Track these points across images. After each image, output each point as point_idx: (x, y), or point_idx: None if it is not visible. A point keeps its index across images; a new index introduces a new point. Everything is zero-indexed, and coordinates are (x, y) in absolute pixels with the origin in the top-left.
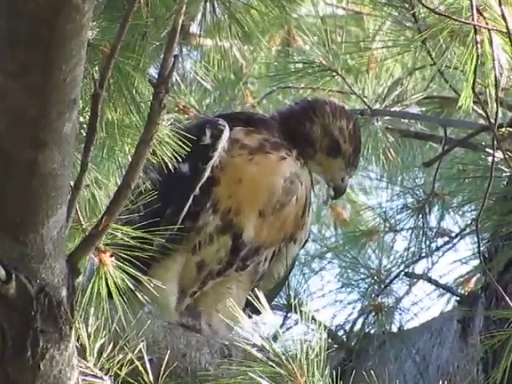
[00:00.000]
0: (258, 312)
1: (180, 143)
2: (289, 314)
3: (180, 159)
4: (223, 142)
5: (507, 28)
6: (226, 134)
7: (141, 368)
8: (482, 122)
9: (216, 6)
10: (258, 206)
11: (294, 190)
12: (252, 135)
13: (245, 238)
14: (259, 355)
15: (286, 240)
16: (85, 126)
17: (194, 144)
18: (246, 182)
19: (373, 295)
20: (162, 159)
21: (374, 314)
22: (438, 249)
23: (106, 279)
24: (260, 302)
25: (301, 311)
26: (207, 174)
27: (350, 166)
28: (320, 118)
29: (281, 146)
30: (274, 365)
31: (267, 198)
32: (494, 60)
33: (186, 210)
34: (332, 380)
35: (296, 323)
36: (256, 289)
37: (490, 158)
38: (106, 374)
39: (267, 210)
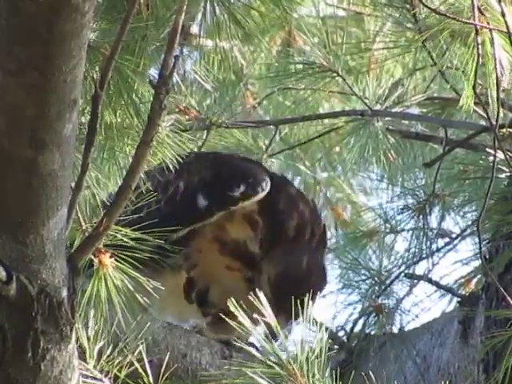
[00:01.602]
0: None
1: (180, 143)
2: None
3: (201, 190)
4: (246, 203)
5: (507, 26)
6: (256, 198)
7: (140, 370)
8: (482, 122)
9: (216, 6)
10: (214, 282)
11: None
12: (247, 225)
13: (209, 298)
14: (259, 356)
15: None
16: (84, 127)
17: (221, 185)
18: (203, 260)
19: (373, 296)
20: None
21: (374, 314)
22: (438, 250)
23: (106, 280)
24: (261, 303)
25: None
26: (213, 219)
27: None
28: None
29: (243, 259)
30: (274, 365)
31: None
32: (495, 60)
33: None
34: (332, 381)
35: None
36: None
37: (490, 159)
38: (105, 376)
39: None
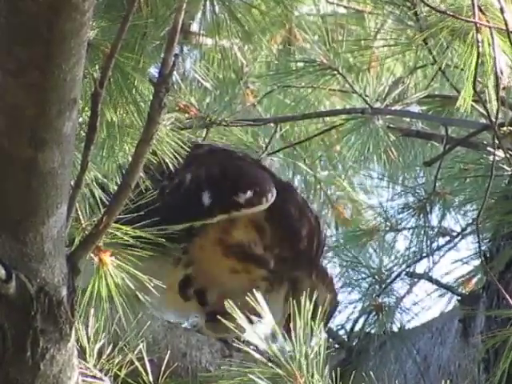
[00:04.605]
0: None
1: (180, 143)
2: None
3: (208, 188)
4: (250, 211)
5: (506, 23)
6: (259, 208)
7: (141, 369)
8: (483, 121)
9: (216, 5)
10: (212, 284)
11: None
12: (253, 230)
13: (208, 298)
14: (258, 356)
15: None
16: (84, 125)
17: (228, 187)
18: (204, 260)
19: (374, 295)
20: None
21: (374, 313)
22: (439, 248)
23: (106, 279)
24: (258, 303)
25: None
26: (215, 220)
27: None
28: (317, 281)
29: (249, 260)
30: (273, 366)
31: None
32: (495, 58)
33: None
34: (332, 380)
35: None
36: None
37: (491, 157)
38: (105, 375)
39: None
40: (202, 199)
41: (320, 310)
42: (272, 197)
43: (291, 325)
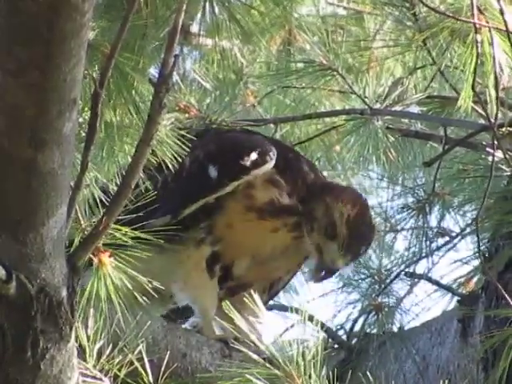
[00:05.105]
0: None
1: (180, 143)
2: (287, 314)
3: (211, 162)
4: (259, 172)
5: (505, 24)
6: (267, 167)
7: (140, 369)
8: (482, 121)
9: (215, 5)
10: (246, 254)
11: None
12: (270, 186)
13: (235, 272)
14: (256, 357)
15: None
16: (84, 125)
17: (233, 156)
18: (235, 234)
19: (373, 295)
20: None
21: (374, 313)
22: (438, 249)
23: (105, 280)
24: (256, 305)
25: (299, 311)
26: (227, 189)
27: (345, 251)
28: (327, 199)
29: (283, 213)
30: (271, 366)
31: (253, 254)
32: (494, 59)
33: (190, 210)
34: (329, 381)
35: (292, 326)
36: (252, 291)
37: (490, 158)
38: (105, 375)
39: (257, 258)
40: (209, 173)
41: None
42: (274, 154)
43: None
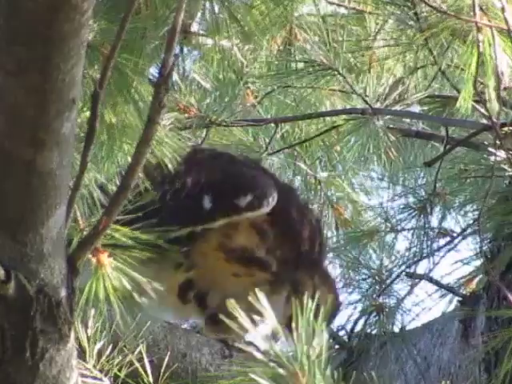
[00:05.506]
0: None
1: (179, 143)
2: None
3: (208, 192)
4: (252, 215)
5: (506, 22)
6: (262, 211)
7: (140, 370)
8: (483, 121)
9: (215, 5)
10: (215, 286)
11: None
12: (254, 233)
13: (209, 301)
14: (260, 356)
15: None
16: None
17: (230, 192)
18: (206, 265)
19: (374, 295)
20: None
21: (375, 314)
22: (439, 249)
23: (104, 280)
24: (260, 303)
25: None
26: (216, 224)
27: None
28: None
29: (253, 264)
30: (275, 366)
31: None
32: (495, 58)
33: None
34: (334, 380)
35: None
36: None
37: (492, 158)
38: (105, 376)
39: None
40: (203, 203)
41: (322, 310)
42: (273, 200)
43: (293, 325)
